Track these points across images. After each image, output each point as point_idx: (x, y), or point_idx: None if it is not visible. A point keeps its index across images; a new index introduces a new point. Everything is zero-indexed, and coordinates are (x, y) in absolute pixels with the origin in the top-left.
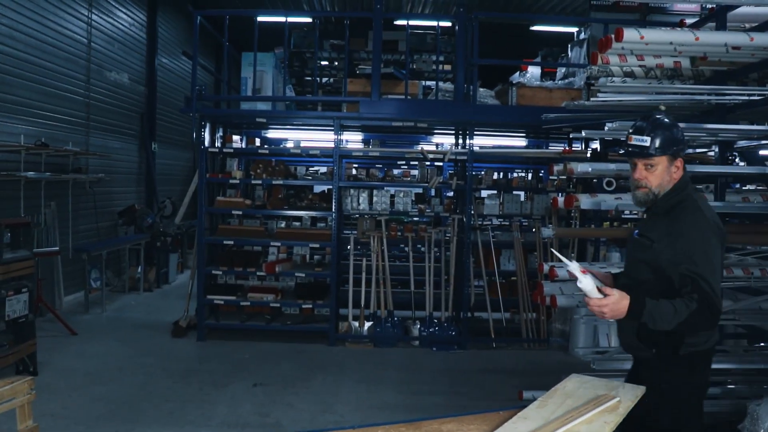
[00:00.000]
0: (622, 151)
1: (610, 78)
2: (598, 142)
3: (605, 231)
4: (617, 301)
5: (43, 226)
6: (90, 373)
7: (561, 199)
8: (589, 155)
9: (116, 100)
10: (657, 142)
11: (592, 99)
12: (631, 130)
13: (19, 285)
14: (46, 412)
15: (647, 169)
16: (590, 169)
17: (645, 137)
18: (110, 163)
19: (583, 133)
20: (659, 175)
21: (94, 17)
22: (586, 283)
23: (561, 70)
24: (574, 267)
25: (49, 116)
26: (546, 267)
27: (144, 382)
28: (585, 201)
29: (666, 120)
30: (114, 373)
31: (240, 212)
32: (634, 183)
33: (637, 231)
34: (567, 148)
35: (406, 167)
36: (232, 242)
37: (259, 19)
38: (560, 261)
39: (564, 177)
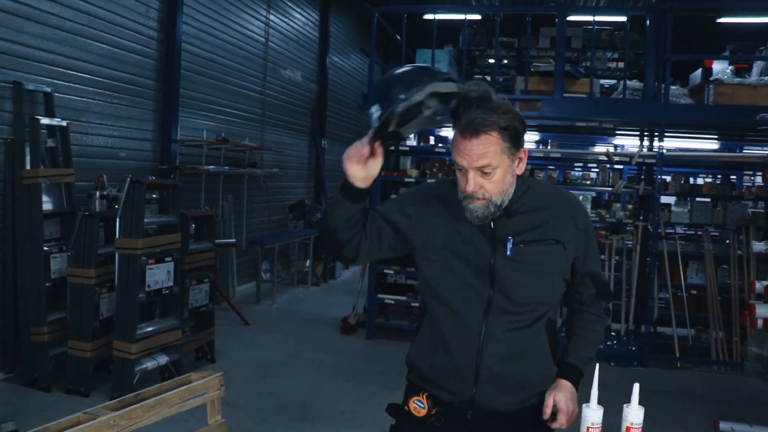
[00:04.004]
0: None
1: None
2: None
3: None
4: (572, 393)
5: (221, 218)
6: (263, 364)
7: None
8: None
9: (289, 97)
10: None
11: None
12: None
13: (201, 275)
14: (224, 401)
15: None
16: None
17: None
18: (282, 158)
19: None
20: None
21: (271, 17)
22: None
23: (757, 67)
24: None
25: (228, 112)
26: (759, 286)
27: (315, 378)
28: None
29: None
30: (286, 366)
31: None
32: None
33: (511, 239)
34: None
35: (581, 169)
36: None
37: (429, 16)
38: None
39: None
